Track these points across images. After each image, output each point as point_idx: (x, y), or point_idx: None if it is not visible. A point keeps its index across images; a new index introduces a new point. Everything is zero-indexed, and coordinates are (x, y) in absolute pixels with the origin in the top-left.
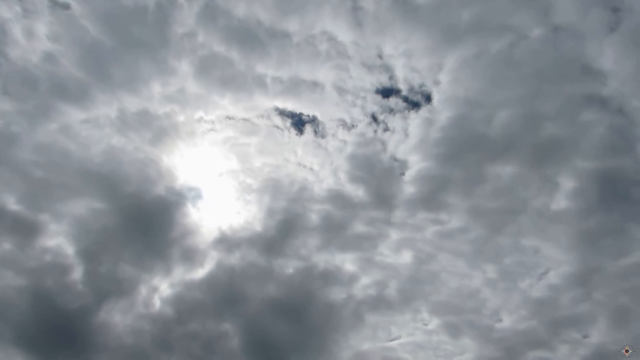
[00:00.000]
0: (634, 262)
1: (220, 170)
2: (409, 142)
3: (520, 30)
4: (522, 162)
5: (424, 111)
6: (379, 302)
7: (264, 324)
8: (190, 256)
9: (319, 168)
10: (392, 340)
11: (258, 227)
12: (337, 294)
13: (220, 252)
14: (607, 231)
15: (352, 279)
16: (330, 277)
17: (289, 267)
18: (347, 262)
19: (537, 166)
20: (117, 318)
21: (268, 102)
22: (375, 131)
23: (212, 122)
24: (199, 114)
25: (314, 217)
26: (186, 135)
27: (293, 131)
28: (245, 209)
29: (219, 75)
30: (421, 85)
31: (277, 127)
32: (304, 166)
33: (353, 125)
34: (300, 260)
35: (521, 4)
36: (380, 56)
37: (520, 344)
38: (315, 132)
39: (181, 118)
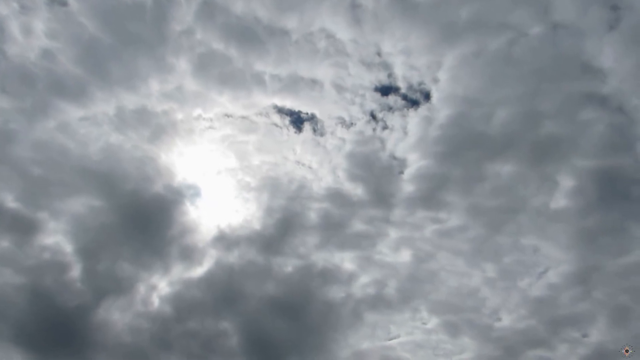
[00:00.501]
0: (634, 261)
1: (219, 168)
2: (408, 140)
3: (519, 28)
4: (521, 161)
5: (423, 109)
6: (378, 301)
7: (263, 322)
8: (189, 254)
9: (318, 166)
10: (391, 339)
11: (257, 226)
12: (336, 293)
13: (218, 251)
14: (606, 230)
15: (351, 277)
16: (329, 275)
17: (288, 265)
18: (346, 260)
19: (536, 165)
20: (115, 316)
21: (266, 99)
22: (374, 129)
23: (211, 119)
24: (198, 111)
25: (312, 216)
26: (184, 133)
27: (292, 129)
28: (243, 207)
29: (217, 72)
30: (420, 83)
31: (276, 125)
32: (303, 164)
33: (352, 124)
34: (299, 259)
35: (520, 2)
36: (379, 54)
37: (520, 343)
38: (314, 130)
39: (179, 116)
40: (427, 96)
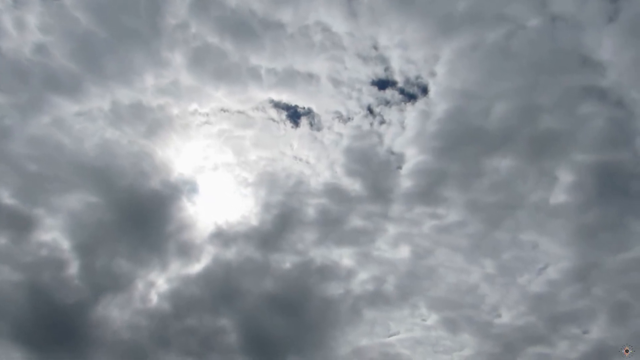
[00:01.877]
0: (633, 257)
1: (216, 164)
2: (405, 135)
3: (517, 21)
4: (519, 156)
5: (420, 103)
6: (376, 298)
7: (261, 319)
8: (187, 251)
9: (315, 161)
10: (390, 336)
11: (254, 222)
12: (334, 289)
13: (216, 247)
14: (606, 226)
15: (350, 274)
16: (327, 272)
17: (286, 262)
18: (344, 256)
19: (535, 159)
20: (114, 313)
21: (263, 94)
22: (371, 124)
23: (207, 114)
24: (193, 106)
25: (310, 212)
26: (180, 128)
27: (289, 124)
28: (241, 203)
29: (212, 67)
30: (417, 77)
31: (273, 119)
32: (300, 159)
33: (349, 118)
34: (297, 255)
35: None
36: (375, 47)
37: (519, 340)
38: (311, 125)
39: (175, 111)
40: (424, 90)
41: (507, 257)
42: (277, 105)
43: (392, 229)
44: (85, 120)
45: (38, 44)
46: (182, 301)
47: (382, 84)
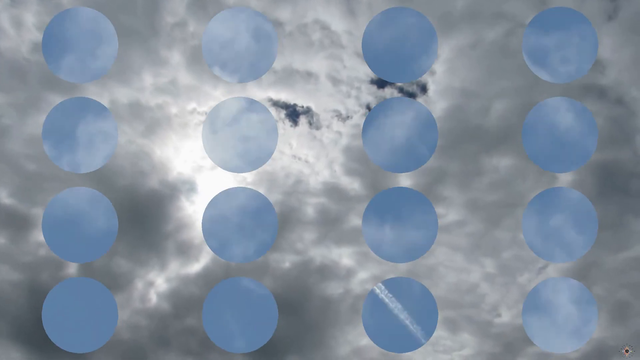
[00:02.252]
0: (634, 256)
1: (214, 163)
2: None
3: (516, 19)
4: (519, 154)
5: (419, 102)
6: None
7: None
8: (185, 250)
9: (314, 160)
10: None
11: None
12: (334, 289)
13: None
14: (605, 225)
15: (349, 273)
16: (327, 271)
17: (285, 261)
18: (344, 256)
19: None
20: None
21: (261, 93)
22: None
23: (206, 113)
24: (192, 105)
25: (309, 211)
26: (179, 127)
27: (287, 122)
28: None
29: None
30: None
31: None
32: (299, 158)
33: (348, 116)
34: (296, 255)
35: None
36: None
37: (519, 340)
38: (310, 124)
39: (174, 109)
40: (423, 89)
41: (507, 256)
42: (276, 104)
43: None
44: None
45: (36, 42)
46: (181, 301)
47: (381, 82)
